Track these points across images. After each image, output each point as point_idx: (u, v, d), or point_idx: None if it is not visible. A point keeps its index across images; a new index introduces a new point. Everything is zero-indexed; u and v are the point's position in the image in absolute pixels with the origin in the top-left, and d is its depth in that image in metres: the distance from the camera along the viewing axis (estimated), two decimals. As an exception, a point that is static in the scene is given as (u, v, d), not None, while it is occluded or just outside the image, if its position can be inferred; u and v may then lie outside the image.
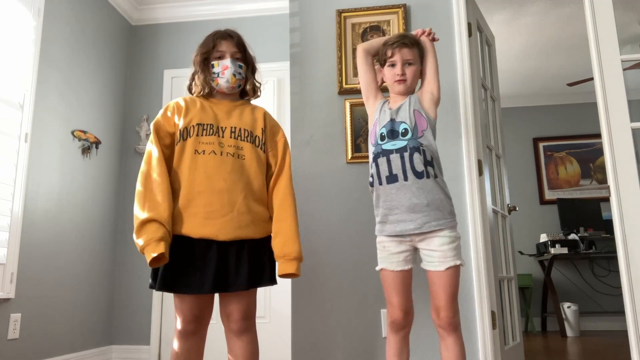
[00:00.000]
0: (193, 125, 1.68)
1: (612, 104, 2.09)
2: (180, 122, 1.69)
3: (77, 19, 3.31)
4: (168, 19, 3.91)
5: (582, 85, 5.14)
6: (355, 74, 2.43)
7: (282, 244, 1.68)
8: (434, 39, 1.88)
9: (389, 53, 1.81)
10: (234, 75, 1.74)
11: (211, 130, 1.68)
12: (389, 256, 1.74)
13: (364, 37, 2.55)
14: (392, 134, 1.76)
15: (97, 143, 3.45)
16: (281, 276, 1.67)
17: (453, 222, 1.73)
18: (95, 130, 3.45)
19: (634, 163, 2.05)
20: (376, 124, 1.82)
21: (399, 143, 1.74)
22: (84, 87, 3.36)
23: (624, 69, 2.13)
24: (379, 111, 1.84)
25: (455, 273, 1.68)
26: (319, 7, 2.62)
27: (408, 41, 1.81)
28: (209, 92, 1.77)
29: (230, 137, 1.70)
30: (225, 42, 1.77)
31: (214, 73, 1.75)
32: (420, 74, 1.87)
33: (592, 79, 2.30)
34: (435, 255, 1.68)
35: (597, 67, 2.13)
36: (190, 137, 1.67)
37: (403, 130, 1.75)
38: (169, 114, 1.73)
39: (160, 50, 3.89)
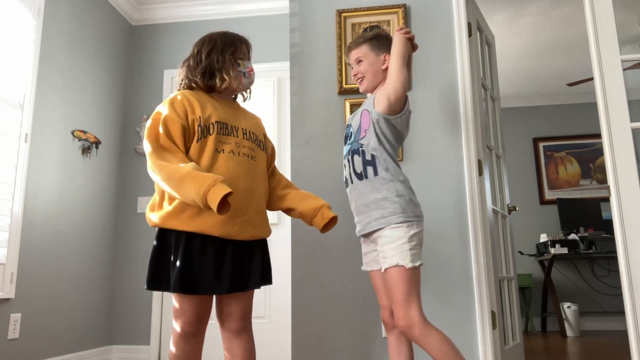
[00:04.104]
0: (212, 123, 1.64)
1: (612, 104, 2.09)
2: (200, 118, 1.62)
3: (77, 19, 3.31)
4: (168, 19, 3.91)
5: (582, 85, 5.14)
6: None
7: (313, 198, 1.80)
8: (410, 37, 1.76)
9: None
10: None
11: (226, 130, 1.67)
12: (363, 257, 1.81)
13: (364, 37, 2.55)
14: (345, 139, 1.84)
15: (97, 143, 3.45)
16: (328, 224, 1.75)
17: (397, 218, 1.62)
18: (95, 130, 3.45)
19: (634, 163, 2.05)
20: None
21: (346, 148, 1.81)
22: (84, 87, 3.36)
23: (624, 69, 2.13)
24: None
25: (397, 275, 1.58)
26: (319, 7, 2.62)
27: (352, 44, 1.85)
28: (210, 89, 1.75)
29: (244, 138, 1.71)
30: (246, 46, 1.81)
31: (239, 72, 1.75)
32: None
33: (592, 79, 2.30)
34: (379, 255, 1.67)
35: (597, 67, 2.13)
36: (210, 134, 1.63)
37: (349, 135, 1.82)
38: (180, 107, 1.64)
39: (160, 50, 3.89)
